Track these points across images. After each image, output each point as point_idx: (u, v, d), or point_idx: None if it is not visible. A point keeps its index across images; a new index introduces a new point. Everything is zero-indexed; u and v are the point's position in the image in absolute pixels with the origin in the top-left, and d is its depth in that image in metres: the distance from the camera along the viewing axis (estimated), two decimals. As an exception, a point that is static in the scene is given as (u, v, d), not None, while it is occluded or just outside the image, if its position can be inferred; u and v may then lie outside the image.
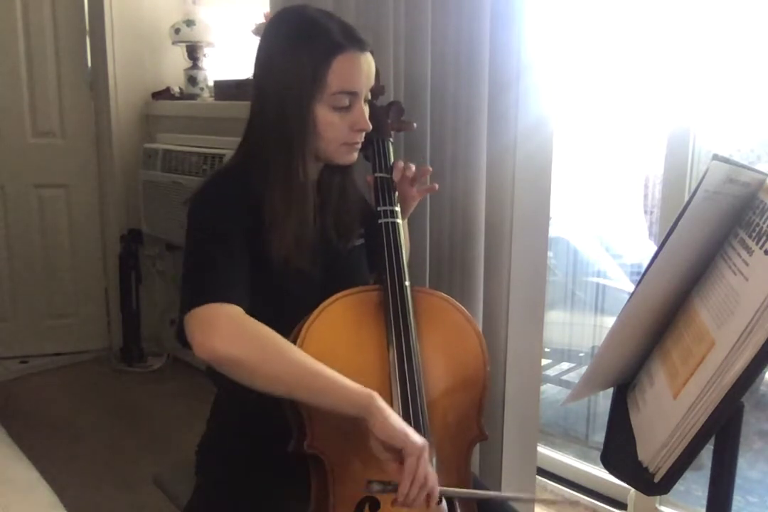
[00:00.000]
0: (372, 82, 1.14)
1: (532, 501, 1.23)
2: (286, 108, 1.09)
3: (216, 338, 0.93)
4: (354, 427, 1.01)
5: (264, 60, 1.13)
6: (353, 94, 1.10)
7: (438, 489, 0.96)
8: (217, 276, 1.01)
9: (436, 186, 1.32)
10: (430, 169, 1.31)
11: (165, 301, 3.11)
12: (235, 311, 0.97)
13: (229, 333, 0.94)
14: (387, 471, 0.94)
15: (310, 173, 1.15)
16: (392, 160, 1.28)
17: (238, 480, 1.15)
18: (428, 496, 0.95)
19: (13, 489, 1.13)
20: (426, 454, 0.94)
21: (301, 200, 1.12)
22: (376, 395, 0.95)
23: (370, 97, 1.16)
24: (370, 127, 1.15)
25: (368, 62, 1.11)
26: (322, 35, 1.07)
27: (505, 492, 1.17)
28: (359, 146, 1.17)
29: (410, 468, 0.92)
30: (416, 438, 0.94)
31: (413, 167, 1.26)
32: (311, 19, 1.10)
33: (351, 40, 1.09)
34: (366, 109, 1.14)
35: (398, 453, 0.93)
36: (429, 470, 0.94)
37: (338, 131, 1.12)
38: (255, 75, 1.14)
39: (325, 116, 1.10)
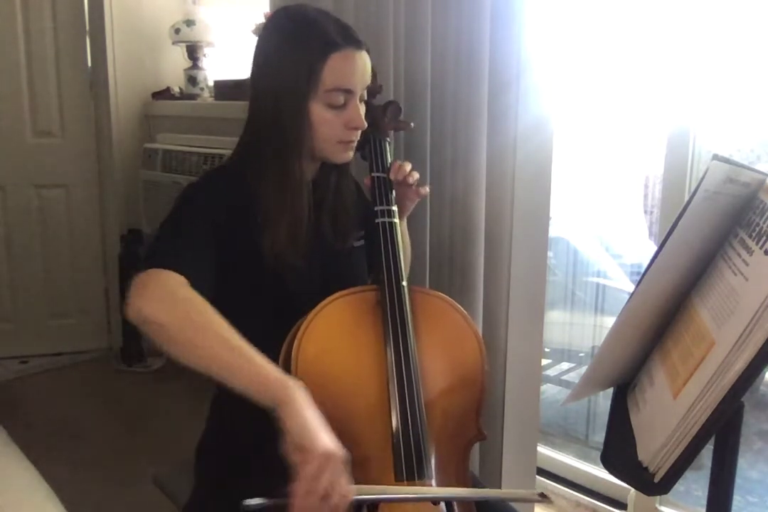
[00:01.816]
0: (368, 81, 1.14)
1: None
2: (282, 105, 1.10)
3: (144, 299, 0.93)
4: (354, 428, 1.00)
5: (261, 58, 1.14)
6: (348, 92, 1.11)
7: (345, 506, 0.84)
8: (169, 248, 1.03)
9: (427, 190, 1.28)
10: (427, 191, 1.28)
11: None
12: (173, 278, 0.96)
13: (158, 296, 0.94)
14: (293, 475, 0.83)
15: (305, 172, 1.15)
16: (390, 159, 1.28)
17: (238, 480, 1.14)
18: None
19: (13, 489, 1.13)
20: (336, 465, 0.83)
21: (296, 199, 1.13)
22: (296, 386, 0.88)
23: (366, 96, 1.16)
24: (365, 125, 1.15)
25: (364, 61, 1.12)
26: (319, 33, 1.08)
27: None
28: (354, 144, 1.17)
29: (307, 474, 0.81)
30: (326, 443, 0.84)
31: (408, 167, 1.24)
32: (308, 17, 1.11)
33: (347, 39, 1.09)
34: (362, 108, 1.14)
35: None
36: (336, 483, 0.82)
37: (333, 129, 1.12)
38: (252, 73, 1.15)
39: (320, 114, 1.10)
